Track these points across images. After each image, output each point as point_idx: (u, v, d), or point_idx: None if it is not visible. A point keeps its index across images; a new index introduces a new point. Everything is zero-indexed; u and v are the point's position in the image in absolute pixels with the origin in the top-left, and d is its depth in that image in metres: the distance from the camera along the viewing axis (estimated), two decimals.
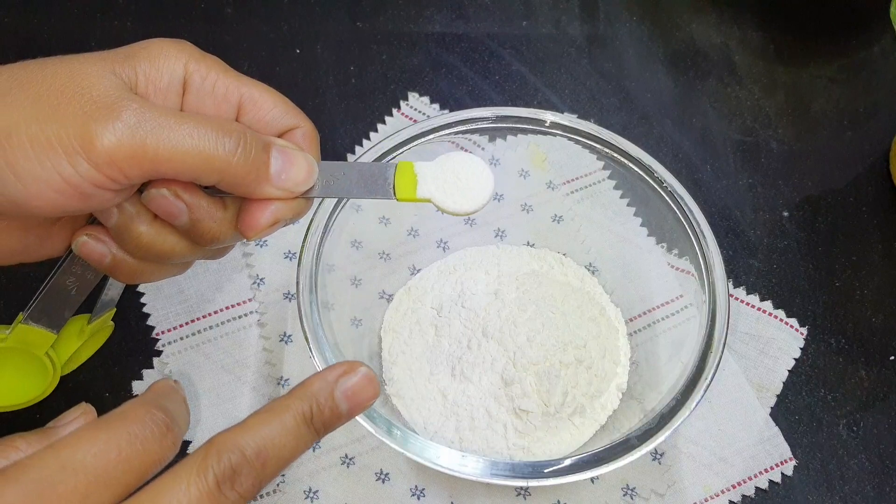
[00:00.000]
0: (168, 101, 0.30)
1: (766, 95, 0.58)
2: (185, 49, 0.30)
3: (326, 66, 0.57)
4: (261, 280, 0.48)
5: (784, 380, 0.46)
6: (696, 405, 0.36)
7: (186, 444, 0.43)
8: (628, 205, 0.46)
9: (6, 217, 0.30)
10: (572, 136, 0.44)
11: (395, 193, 0.32)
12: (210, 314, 0.47)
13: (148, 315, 0.46)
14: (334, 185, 0.32)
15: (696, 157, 0.55)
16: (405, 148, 0.43)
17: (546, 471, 0.35)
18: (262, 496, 0.42)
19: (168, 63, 0.30)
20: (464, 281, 0.46)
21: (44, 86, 0.27)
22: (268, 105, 0.31)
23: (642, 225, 0.46)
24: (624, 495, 0.42)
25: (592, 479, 0.43)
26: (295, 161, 0.30)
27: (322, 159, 0.32)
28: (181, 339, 0.46)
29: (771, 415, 0.45)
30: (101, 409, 0.44)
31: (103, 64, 0.28)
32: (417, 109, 0.55)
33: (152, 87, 0.29)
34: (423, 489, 0.42)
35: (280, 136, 0.32)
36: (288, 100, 0.32)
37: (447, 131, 0.44)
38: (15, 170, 0.26)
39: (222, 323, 0.46)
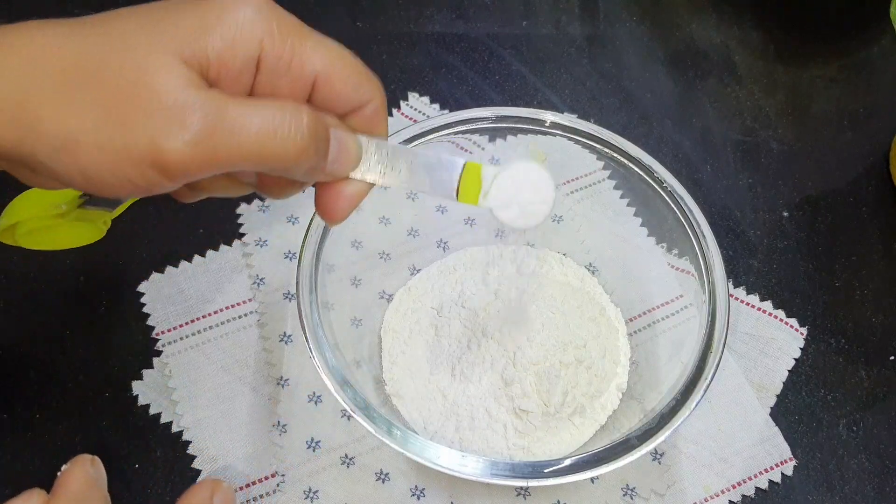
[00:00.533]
0: (240, 85, 0.28)
1: (766, 95, 0.58)
2: (263, 21, 0.28)
3: None
4: (261, 280, 0.48)
5: (784, 380, 0.46)
6: (696, 405, 0.36)
7: (187, 444, 0.43)
8: (628, 205, 0.46)
9: None
10: (572, 136, 0.44)
11: (457, 195, 0.31)
12: (210, 314, 0.47)
13: (148, 315, 0.46)
14: (400, 174, 0.31)
15: (696, 157, 0.55)
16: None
17: (546, 471, 0.35)
18: (261, 496, 0.42)
19: (243, 44, 0.27)
20: (464, 281, 0.46)
21: (109, 86, 0.26)
22: (341, 82, 0.30)
23: (642, 225, 0.46)
24: (624, 495, 0.42)
25: (592, 479, 0.43)
26: (347, 149, 0.30)
27: None
28: (181, 339, 0.46)
29: (771, 415, 0.45)
30: (102, 409, 0.44)
31: (173, 47, 0.26)
32: (417, 109, 0.55)
33: (224, 70, 0.27)
34: (423, 489, 0.42)
35: (349, 113, 0.31)
36: (361, 69, 0.30)
37: (447, 131, 0.44)
38: (85, 174, 0.26)
39: (222, 323, 0.46)
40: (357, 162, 0.30)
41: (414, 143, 0.43)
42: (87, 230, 0.40)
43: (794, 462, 0.44)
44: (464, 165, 0.31)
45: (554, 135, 0.44)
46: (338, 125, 0.30)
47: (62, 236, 0.41)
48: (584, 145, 0.44)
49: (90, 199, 0.37)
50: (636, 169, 0.43)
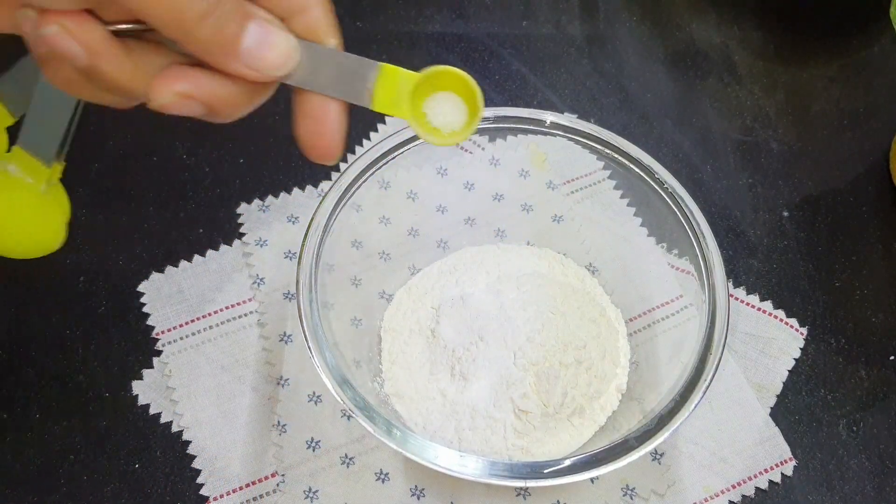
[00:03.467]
0: None
1: (766, 95, 0.58)
2: None
3: None
4: (261, 280, 0.48)
5: (784, 380, 0.46)
6: (696, 406, 0.36)
7: (187, 444, 0.43)
8: (628, 205, 0.46)
9: None
10: (572, 136, 0.44)
11: (371, 101, 0.28)
12: (210, 314, 0.47)
13: (148, 315, 0.47)
14: (306, 74, 0.27)
15: (696, 157, 0.55)
16: (405, 148, 0.43)
17: (545, 471, 0.35)
18: (261, 496, 0.42)
19: None
20: (464, 281, 0.46)
21: None
22: None
23: (642, 225, 0.46)
24: (624, 495, 0.42)
25: (592, 480, 0.43)
26: (272, 42, 0.26)
27: None
28: (181, 339, 0.46)
29: (771, 415, 0.45)
30: (102, 409, 0.44)
31: None
32: None
33: None
34: (423, 489, 0.42)
35: (287, 17, 0.27)
36: None
37: None
38: None
39: (222, 323, 0.46)
40: (287, 61, 0.26)
41: (414, 144, 0.43)
42: (42, 223, 0.38)
43: (794, 462, 0.44)
44: (380, 67, 0.28)
45: (554, 135, 0.44)
46: (269, 19, 0.26)
47: (15, 230, 0.38)
48: (584, 145, 0.44)
49: (26, 136, 0.35)
50: (636, 169, 0.43)
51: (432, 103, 0.29)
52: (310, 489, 0.42)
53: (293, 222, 0.50)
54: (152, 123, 0.53)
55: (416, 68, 0.61)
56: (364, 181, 0.42)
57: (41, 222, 0.38)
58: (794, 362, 0.47)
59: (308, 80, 0.27)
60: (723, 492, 0.43)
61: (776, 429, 0.45)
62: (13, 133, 0.37)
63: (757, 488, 0.43)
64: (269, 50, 0.26)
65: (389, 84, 0.28)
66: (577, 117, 0.44)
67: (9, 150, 0.36)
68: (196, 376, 0.45)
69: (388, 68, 0.28)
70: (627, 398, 0.43)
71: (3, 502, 0.42)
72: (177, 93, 0.25)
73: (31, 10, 0.24)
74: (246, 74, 0.26)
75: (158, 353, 0.46)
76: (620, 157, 0.43)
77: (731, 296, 0.48)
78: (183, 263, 0.48)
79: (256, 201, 0.51)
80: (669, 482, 0.43)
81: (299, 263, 0.39)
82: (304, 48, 0.27)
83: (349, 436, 0.43)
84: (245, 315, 0.47)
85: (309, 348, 0.37)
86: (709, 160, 0.55)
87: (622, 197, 0.46)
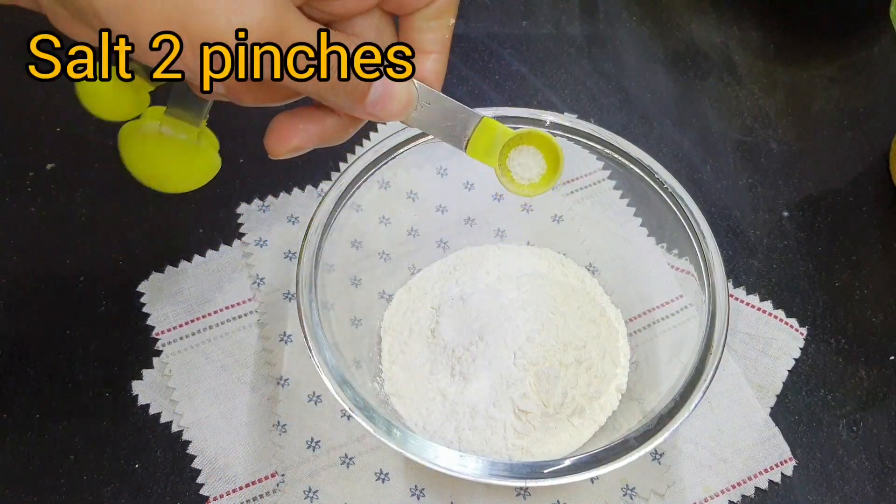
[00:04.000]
0: None
1: (766, 95, 0.58)
2: None
3: None
4: (261, 280, 0.48)
5: (784, 380, 0.46)
6: (696, 406, 0.36)
7: (187, 444, 0.43)
8: (628, 205, 0.46)
9: None
10: (572, 136, 0.44)
11: (466, 147, 0.32)
12: (210, 314, 0.47)
13: (148, 315, 0.47)
14: (415, 114, 0.31)
15: (696, 157, 0.55)
16: (404, 148, 0.43)
17: (545, 471, 0.35)
18: (261, 496, 0.42)
19: None
20: (464, 281, 0.46)
21: None
22: None
23: (642, 225, 0.46)
24: (624, 495, 0.42)
25: (592, 480, 0.43)
26: (395, 93, 0.29)
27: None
28: (181, 339, 0.46)
29: (771, 415, 0.45)
30: (101, 409, 0.44)
31: None
32: None
33: None
34: (423, 489, 0.42)
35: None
36: None
37: None
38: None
39: (222, 323, 0.46)
40: (406, 109, 0.30)
41: (414, 144, 0.43)
42: (200, 162, 0.39)
43: (793, 462, 0.44)
44: (481, 119, 0.31)
45: (554, 135, 0.44)
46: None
47: (181, 165, 0.39)
48: (584, 145, 0.44)
49: (173, 105, 0.36)
50: (636, 169, 0.43)
51: (515, 154, 0.33)
52: (310, 489, 0.42)
53: (293, 222, 0.50)
54: None
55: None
56: (364, 181, 0.42)
57: (199, 162, 0.40)
58: (793, 362, 0.47)
59: (417, 119, 0.31)
60: (723, 492, 0.43)
61: (776, 429, 0.45)
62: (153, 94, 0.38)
63: (757, 488, 0.43)
64: (391, 101, 0.29)
65: (486, 135, 0.31)
66: (577, 117, 0.44)
67: (150, 106, 0.38)
68: (196, 376, 0.45)
69: (489, 121, 0.31)
70: (627, 398, 0.43)
71: (3, 502, 0.42)
72: (291, 149, 0.30)
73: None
74: (369, 119, 0.30)
75: (158, 353, 0.46)
76: (620, 157, 0.43)
77: (731, 296, 0.48)
78: (183, 263, 0.48)
79: (256, 201, 0.51)
80: (669, 482, 0.43)
81: (299, 263, 0.39)
82: (420, 91, 0.30)
83: (349, 436, 0.43)
84: (245, 315, 0.47)
85: (309, 348, 0.37)
86: (709, 160, 0.55)
87: (622, 197, 0.46)
